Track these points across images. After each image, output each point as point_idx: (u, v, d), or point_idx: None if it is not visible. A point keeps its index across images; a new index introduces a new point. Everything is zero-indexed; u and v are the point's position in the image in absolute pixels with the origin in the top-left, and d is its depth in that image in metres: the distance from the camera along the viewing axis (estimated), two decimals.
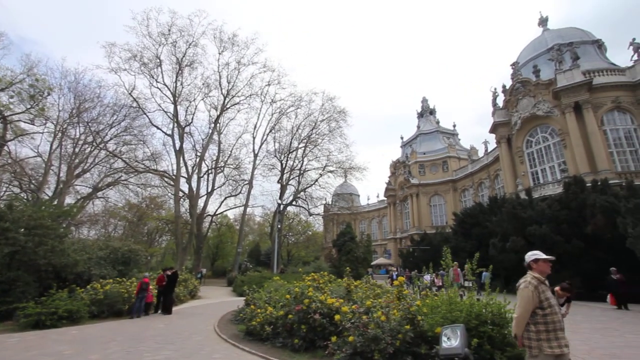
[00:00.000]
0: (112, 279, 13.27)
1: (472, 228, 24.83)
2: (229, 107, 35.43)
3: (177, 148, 31.60)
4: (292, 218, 52.56)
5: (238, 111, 37.09)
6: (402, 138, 62.60)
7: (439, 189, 48.61)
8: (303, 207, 39.43)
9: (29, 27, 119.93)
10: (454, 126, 59.12)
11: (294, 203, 38.82)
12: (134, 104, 31.15)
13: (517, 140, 30.61)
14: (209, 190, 35.17)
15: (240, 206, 39.14)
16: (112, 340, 7.98)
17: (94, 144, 29.65)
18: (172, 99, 32.14)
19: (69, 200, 29.93)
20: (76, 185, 31.11)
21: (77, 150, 29.22)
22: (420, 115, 63.19)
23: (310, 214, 40.08)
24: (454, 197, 46.65)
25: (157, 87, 32.12)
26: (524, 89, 29.80)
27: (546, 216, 18.24)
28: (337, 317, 6.57)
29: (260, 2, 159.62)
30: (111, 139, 31.07)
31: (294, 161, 38.62)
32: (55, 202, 22.34)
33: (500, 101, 33.51)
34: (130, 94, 30.81)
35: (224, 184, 37.35)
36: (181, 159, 31.91)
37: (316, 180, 38.02)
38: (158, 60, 31.60)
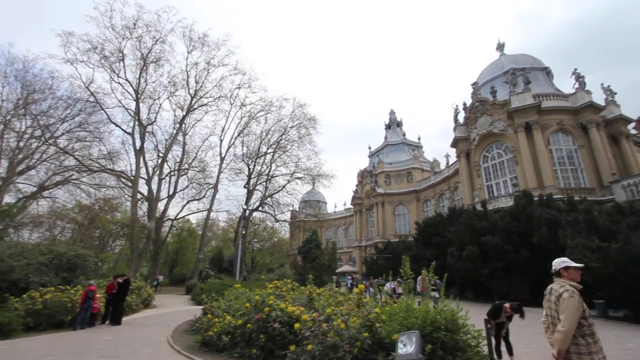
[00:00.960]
0: (54, 286, 12.09)
1: (433, 237, 25.89)
2: (196, 108, 34.28)
3: (138, 147, 29.89)
4: (258, 224, 51.59)
5: (206, 113, 36.01)
6: (370, 148, 64.24)
7: (403, 198, 50.25)
8: (269, 213, 38.81)
9: None
10: (419, 139, 61.77)
11: (260, 209, 38.13)
12: (91, 99, 29.03)
13: (475, 155, 32.60)
14: (171, 193, 33.56)
15: (203, 210, 37.75)
16: (49, 354, 7.24)
17: (43, 138, 27.17)
18: (134, 95, 30.47)
19: (8, 199, 27.14)
20: (18, 182, 28.26)
21: (21, 144, 26.65)
22: (388, 126, 65.34)
23: (277, 221, 39.51)
24: (417, 207, 48.44)
25: (119, 83, 30.31)
26: (482, 108, 31.91)
27: (499, 227, 19.47)
28: (297, 325, 6.48)
29: (234, 6, 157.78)
30: (63, 134, 28.62)
31: (262, 166, 38.10)
32: None
33: (461, 118, 35.58)
34: (87, 87, 28.73)
35: (187, 187, 35.82)
36: (141, 159, 30.19)
37: (284, 187, 37.72)
38: (121, 55, 29.89)
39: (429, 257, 22.18)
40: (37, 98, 27.00)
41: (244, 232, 33.67)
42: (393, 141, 59.99)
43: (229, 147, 37.04)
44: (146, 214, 32.45)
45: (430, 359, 4.90)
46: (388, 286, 17.76)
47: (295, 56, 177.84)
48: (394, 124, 64.65)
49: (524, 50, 56.70)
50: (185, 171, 35.03)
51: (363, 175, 57.83)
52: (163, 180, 32.60)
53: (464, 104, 34.69)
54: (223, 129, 37.42)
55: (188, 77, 33.31)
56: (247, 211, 35.16)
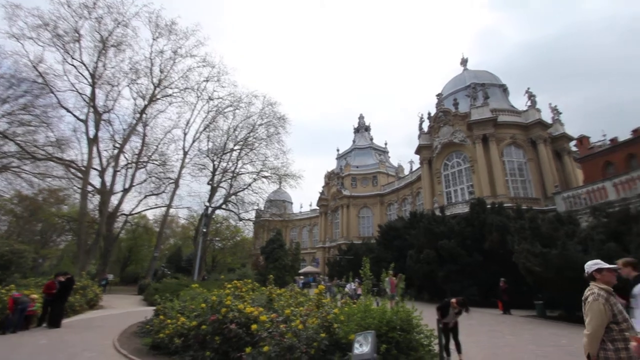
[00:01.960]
0: None
1: (394, 240, 26.69)
2: (159, 98, 32.47)
3: (92, 136, 27.72)
4: (221, 222, 49.89)
5: (170, 104, 34.22)
6: (338, 150, 65.15)
7: (368, 201, 51.42)
8: (233, 212, 37.72)
9: None
10: (386, 144, 63.71)
11: (224, 206, 36.97)
12: (40, 80, 26.46)
13: (436, 162, 34.20)
14: (127, 186, 31.42)
15: (162, 206, 35.72)
16: None
17: None
18: (90, 80, 28.22)
19: None
20: None
21: None
22: (357, 130, 66.59)
23: (241, 219, 38.52)
24: (381, 210, 49.79)
25: (72, 65, 27.88)
26: (445, 118, 33.57)
27: (455, 232, 20.53)
28: (254, 326, 6.31)
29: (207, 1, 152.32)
30: (3, 116, 25.81)
31: (227, 163, 36.92)
32: None
33: (425, 126, 37.16)
34: (35, 67, 26.16)
35: (145, 180, 33.70)
36: (95, 148, 28.04)
37: (249, 185, 36.87)
38: (77, 35, 27.56)
39: (389, 259, 22.85)
40: None
41: (205, 230, 32.42)
42: (361, 145, 61.22)
43: (193, 142, 35.59)
44: (97, 207, 30.15)
45: (385, 358, 5.00)
46: (349, 287, 18.00)
47: (268, 56, 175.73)
48: (362, 128, 66.01)
49: (484, 67, 60.64)
50: (144, 164, 33.01)
51: (330, 177, 58.35)
52: (118, 173, 30.58)
53: (429, 114, 36.29)
54: (188, 122, 35.88)
55: (152, 65, 31.58)
56: (210, 208, 33.93)
